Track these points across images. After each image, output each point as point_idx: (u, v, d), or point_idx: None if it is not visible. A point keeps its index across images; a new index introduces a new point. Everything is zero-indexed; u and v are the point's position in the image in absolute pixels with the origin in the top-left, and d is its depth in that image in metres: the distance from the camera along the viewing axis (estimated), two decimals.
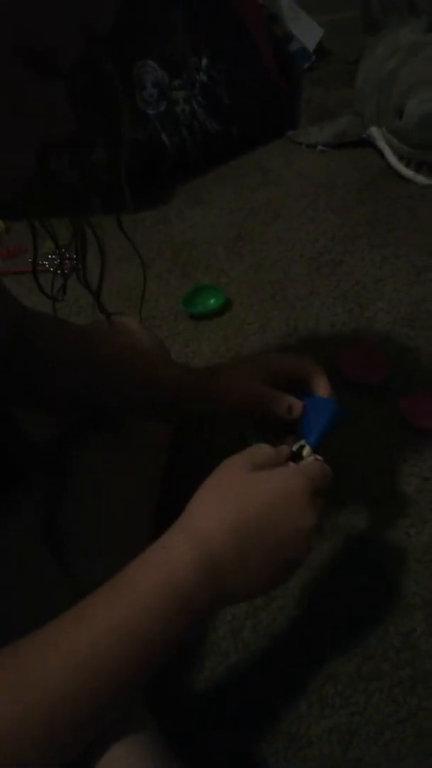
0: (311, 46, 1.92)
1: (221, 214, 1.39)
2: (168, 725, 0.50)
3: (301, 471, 0.53)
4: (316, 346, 1.06)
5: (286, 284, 1.19)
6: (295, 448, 0.59)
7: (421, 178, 1.36)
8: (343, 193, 1.41)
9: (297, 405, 0.64)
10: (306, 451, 0.60)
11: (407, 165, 1.37)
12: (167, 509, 0.71)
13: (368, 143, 1.48)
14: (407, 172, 1.37)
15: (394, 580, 0.74)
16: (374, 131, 1.42)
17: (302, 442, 0.60)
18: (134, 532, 0.68)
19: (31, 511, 0.64)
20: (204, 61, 1.45)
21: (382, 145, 1.41)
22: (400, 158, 1.37)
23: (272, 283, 1.20)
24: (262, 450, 0.55)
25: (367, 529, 0.80)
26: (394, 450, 0.88)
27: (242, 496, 0.49)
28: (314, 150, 1.55)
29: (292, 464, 0.55)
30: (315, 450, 0.60)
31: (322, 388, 0.66)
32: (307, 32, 1.92)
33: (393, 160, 1.39)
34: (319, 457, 0.58)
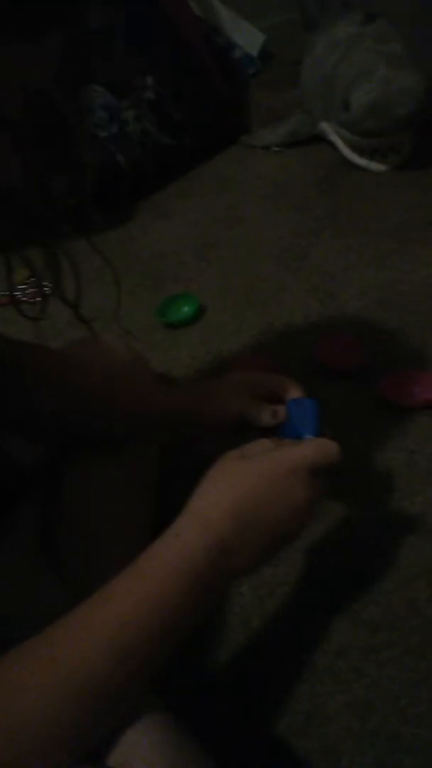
0: (255, 51, 1.95)
1: (185, 225, 1.41)
2: (187, 716, 0.51)
3: (293, 449, 0.55)
4: (293, 340, 1.08)
5: (256, 284, 1.21)
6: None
7: (375, 166, 1.39)
8: (302, 189, 1.43)
9: (280, 408, 0.67)
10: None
11: (361, 155, 1.40)
12: (161, 522, 0.73)
13: (321, 139, 1.51)
14: (362, 162, 1.40)
15: (392, 552, 0.76)
16: (324, 126, 1.46)
17: (305, 437, 0.62)
18: (129, 545, 0.69)
19: (27, 530, 0.65)
20: (149, 80, 1.47)
21: (333, 138, 1.44)
22: (353, 149, 1.40)
23: (243, 284, 1.22)
24: (258, 442, 0.57)
25: (360, 507, 0.82)
26: (379, 429, 0.90)
27: (237, 481, 0.52)
28: (269, 151, 1.58)
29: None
30: None
31: (295, 394, 0.69)
32: (249, 39, 1.95)
33: (346, 151, 1.42)
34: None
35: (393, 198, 1.34)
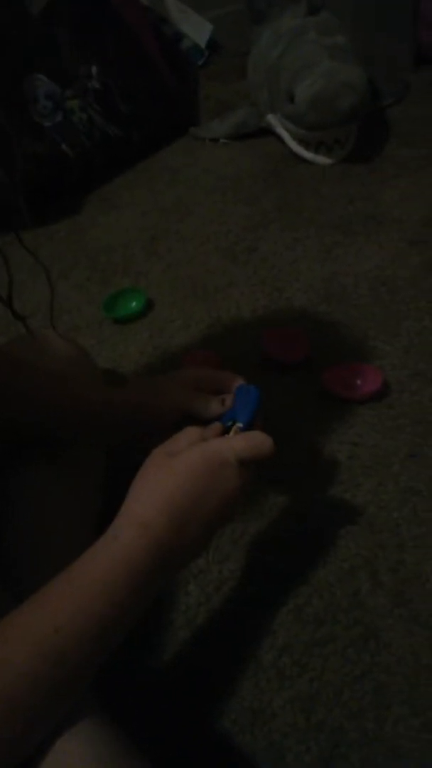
0: (203, 42, 1.94)
1: (134, 217, 1.40)
2: (131, 716, 0.50)
3: (218, 442, 0.55)
4: (240, 333, 1.08)
5: (204, 278, 1.21)
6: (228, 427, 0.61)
7: (321, 159, 1.39)
8: (250, 182, 1.43)
9: (228, 397, 0.66)
10: (234, 429, 0.61)
11: (306, 148, 1.40)
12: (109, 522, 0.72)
13: (268, 131, 1.51)
14: (307, 155, 1.40)
15: (335, 545, 0.77)
16: (271, 118, 1.45)
17: (235, 423, 0.62)
18: (76, 546, 0.68)
19: None
20: (94, 69, 1.45)
21: (280, 131, 1.44)
22: (299, 142, 1.40)
23: (191, 278, 1.21)
24: (185, 433, 0.57)
25: (304, 500, 0.82)
26: (323, 421, 0.91)
27: (169, 478, 0.52)
28: (217, 144, 1.57)
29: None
30: (247, 429, 0.61)
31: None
32: (197, 29, 1.94)
33: (293, 144, 1.42)
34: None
35: (337, 191, 1.35)
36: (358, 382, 0.93)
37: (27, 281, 1.14)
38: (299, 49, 1.34)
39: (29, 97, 1.38)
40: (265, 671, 0.68)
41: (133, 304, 1.16)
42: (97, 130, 1.46)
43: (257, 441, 0.56)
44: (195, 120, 1.66)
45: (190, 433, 0.57)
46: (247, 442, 0.55)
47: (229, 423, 0.61)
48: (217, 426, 0.60)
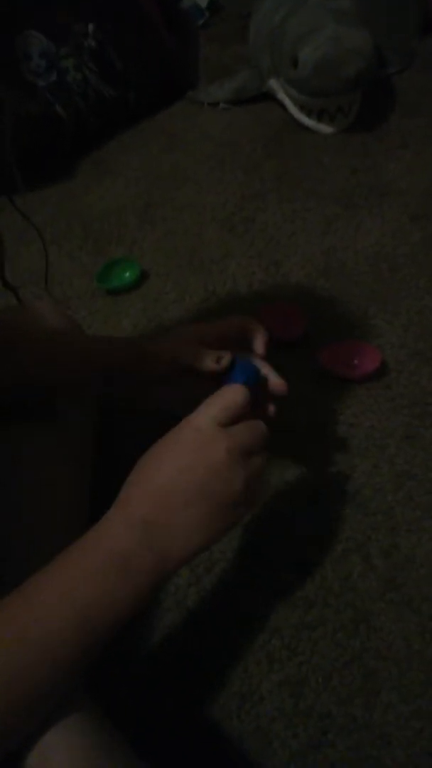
0: (203, 2, 1.87)
1: (128, 183, 1.36)
2: (120, 700, 0.50)
3: (224, 435, 0.52)
4: (235, 307, 1.05)
5: (200, 249, 1.18)
6: None
7: (323, 127, 1.35)
8: (249, 150, 1.39)
9: (225, 356, 0.64)
10: None
11: (309, 115, 1.36)
12: (100, 492, 0.70)
13: (269, 97, 1.46)
14: (309, 122, 1.36)
15: (328, 527, 0.76)
16: (273, 83, 1.41)
17: None
18: (66, 517, 0.67)
19: None
20: (90, 27, 1.39)
21: (282, 96, 1.40)
22: (301, 108, 1.36)
23: (187, 249, 1.18)
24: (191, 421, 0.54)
25: (298, 481, 0.81)
26: (318, 401, 0.89)
27: (161, 461, 0.50)
28: (216, 108, 1.52)
29: (218, 429, 0.53)
30: None
31: (259, 341, 0.68)
32: None
33: (294, 111, 1.38)
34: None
35: (339, 161, 1.31)
36: (356, 361, 0.91)
37: (18, 249, 1.12)
38: (304, 13, 1.29)
39: (22, 55, 1.32)
40: (254, 654, 0.67)
41: (127, 274, 1.13)
42: (92, 91, 1.41)
43: (227, 395, 0.53)
44: (194, 83, 1.60)
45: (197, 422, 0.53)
46: (216, 400, 0.53)
47: None
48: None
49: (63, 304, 1.09)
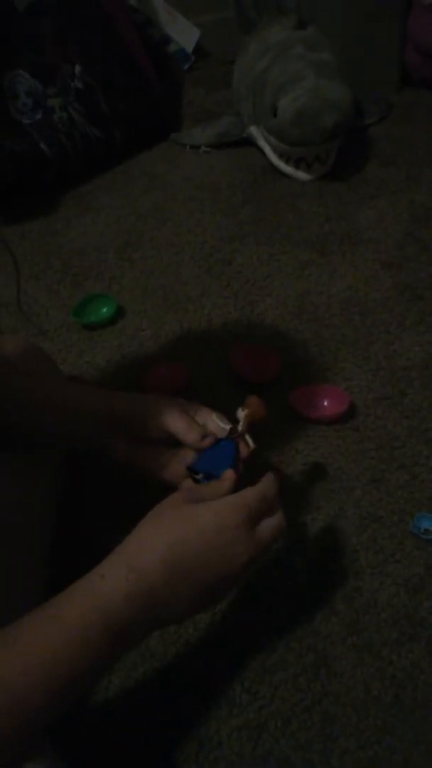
0: (189, 47, 1.92)
1: (109, 221, 1.38)
2: (80, 746, 0.49)
3: (237, 503, 0.53)
4: (209, 347, 1.07)
5: (177, 287, 1.20)
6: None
7: (301, 174, 1.39)
8: (229, 193, 1.42)
9: (209, 439, 0.64)
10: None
11: (287, 162, 1.40)
12: (62, 534, 0.70)
13: (250, 142, 1.50)
14: (288, 169, 1.40)
15: (293, 571, 0.76)
16: (253, 130, 1.45)
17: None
18: (28, 556, 0.67)
19: None
20: (77, 68, 1.43)
21: (261, 143, 1.43)
22: (280, 156, 1.40)
23: (164, 287, 1.20)
24: (212, 485, 0.57)
25: None
26: (288, 442, 0.90)
27: (178, 526, 0.50)
28: (198, 151, 1.56)
29: (230, 497, 0.54)
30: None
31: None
32: (184, 34, 1.92)
33: (273, 158, 1.41)
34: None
35: (315, 208, 1.34)
36: (325, 403, 0.93)
37: None
38: (285, 63, 1.34)
39: (9, 93, 1.35)
40: (214, 698, 0.67)
41: (104, 310, 1.15)
42: (77, 131, 1.44)
43: (266, 492, 0.55)
44: (177, 126, 1.64)
45: (219, 487, 0.56)
46: (260, 495, 0.54)
47: (199, 476, 0.60)
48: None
49: (38, 337, 1.10)
